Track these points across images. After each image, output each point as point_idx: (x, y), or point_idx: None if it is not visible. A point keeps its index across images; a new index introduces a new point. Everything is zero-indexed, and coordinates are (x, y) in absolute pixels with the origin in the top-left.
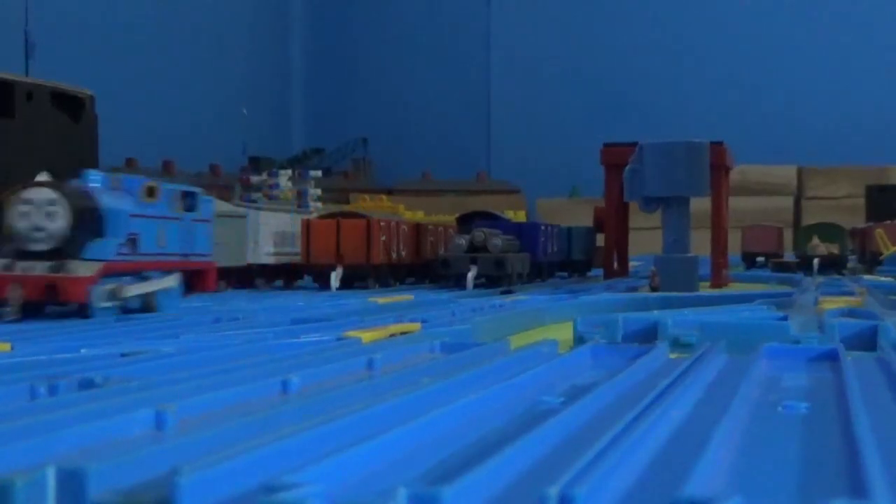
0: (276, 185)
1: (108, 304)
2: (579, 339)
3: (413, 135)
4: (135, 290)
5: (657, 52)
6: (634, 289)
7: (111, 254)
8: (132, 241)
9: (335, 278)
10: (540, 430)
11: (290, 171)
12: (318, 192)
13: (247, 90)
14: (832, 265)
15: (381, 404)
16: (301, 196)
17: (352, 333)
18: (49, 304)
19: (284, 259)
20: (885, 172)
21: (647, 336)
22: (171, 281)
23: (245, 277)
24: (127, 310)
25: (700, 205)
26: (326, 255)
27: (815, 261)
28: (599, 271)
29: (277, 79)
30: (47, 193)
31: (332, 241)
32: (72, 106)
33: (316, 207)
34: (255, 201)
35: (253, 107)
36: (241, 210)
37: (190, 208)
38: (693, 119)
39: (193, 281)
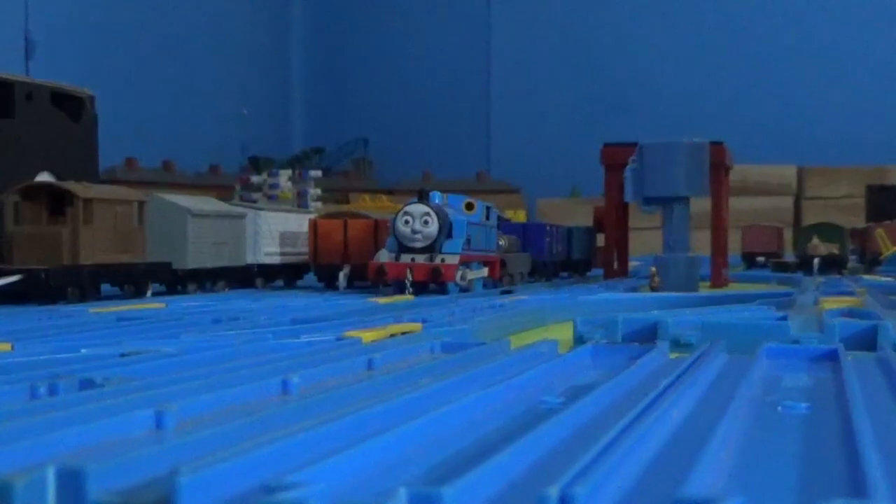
0: (276, 185)
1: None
2: (579, 339)
3: (413, 135)
4: (472, 274)
5: (657, 52)
6: (634, 289)
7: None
8: (468, 241)
9: (343, 278)
10: (540, 430)
11: (290, 171)
12: (318, 192)
13: (247, 90)
14: (832, 265)
15: (381, 404)
16: (301, 196)
17: (352, 333)
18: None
19: (285, 259)
20: (885, 172)
21: (647, 336)
22: (486, 270)
23: (245, 277)
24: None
25: (700, 205)
26: (334, 255)
27: (815, 261)
28: (599, 271)
29: (277, 79)
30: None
31: (339, 241)
32: (72, 106)
33: (316, 207)
34: (255, 201)
35: (253, 107)
36: (241, 210)
37: (487, 217)
38: (693, 119)
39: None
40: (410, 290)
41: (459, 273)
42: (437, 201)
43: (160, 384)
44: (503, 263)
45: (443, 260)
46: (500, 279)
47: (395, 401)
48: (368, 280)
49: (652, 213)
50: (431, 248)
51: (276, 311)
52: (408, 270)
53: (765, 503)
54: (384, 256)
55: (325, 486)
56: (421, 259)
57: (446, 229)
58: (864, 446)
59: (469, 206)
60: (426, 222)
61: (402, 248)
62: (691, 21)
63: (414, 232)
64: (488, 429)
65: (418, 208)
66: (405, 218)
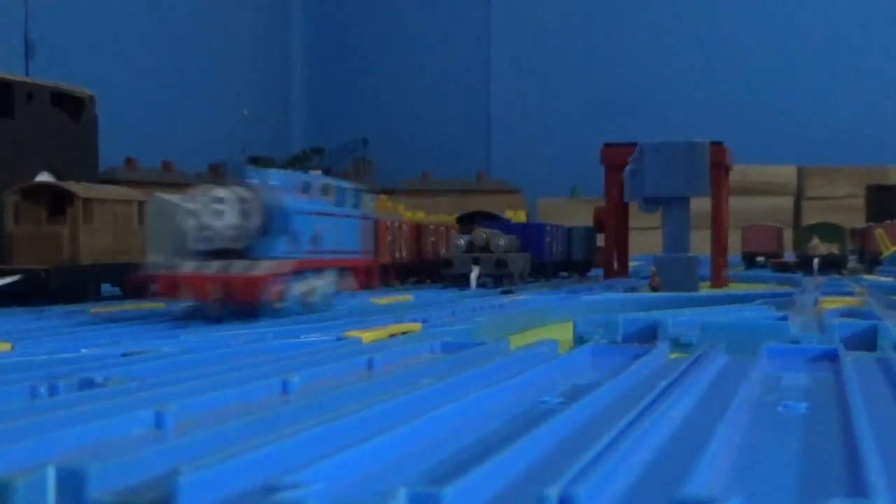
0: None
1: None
2: (579, 339)
3: (413, 135)
4: (302, 287)
5: (657, 52)
6: (634, 289)
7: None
8: (309, 238)
9: None
10: (540, 430)
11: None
12: None
13: (247, 90)
14: (832, 265)
15: (381, 404)
16: None
17: (352, 333)
18: None
19: None
20: (885, 172)
21: (647, 336)
22: (333, 279)
23: None
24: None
25: (700, 205)
26: None
27: (815, 261)
28: (599, 271)
29: (277, 79)
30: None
31: None
32: (72, 106)
33: None
34: None
35: (253, 107)
36: None
37: (353, 203)
38: (693, 119)
39: (360, 277)
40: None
41: (283, 286)
42: (261, 180)
43: (160, 384)
44: (374, 268)
45: (251, 268)
46: (367, 287)
47: (395, 401)
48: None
49: (652, 213)
50: (245, 251)
51: (276, 311)
52: (207, 286)
53: (765, 503)
54: (177, 264)
55: (325, 486)
56: (239, 266)
57: (268, 222)
58: (864, 446)
59: (323, 190)
60: (231, 211)
61: (208, 251)
62: (691, 21)
63: (212, 227)
64: (488, 429)
65: (221, 192)
66: (202, 206)
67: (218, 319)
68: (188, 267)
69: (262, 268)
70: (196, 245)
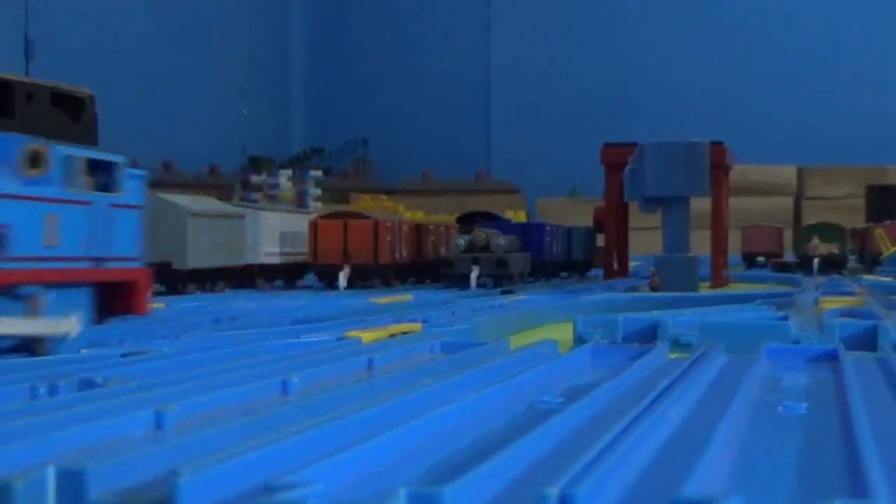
0: (276, 185)
1: None
2: (579, 339)
3: (413, 135)
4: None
5: (657, 52)
6: (634, 289)
7: None
8: None
9: (343, 278)
10: (540, 430)
11: (290, 171)
12: (318, 192)
13: (246, 90)
14: (832, 265)
15: (381, 404)
16: (301, 196)
17: (352, 333)
18: None
19: (285, 259)
20: (885, 172)
21: (647, 336)
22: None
23: (245, 277)
24: None
25: (700, 205)
26: (334, 255)
27: (815, 261)
28: (599, 271)
29: (277, 79)
30: None
31: (339, 242)
32: (72, 106)
33: (316, 207)
34: (255, 201)
35: (253, 107)
36: (241, 210)
37: (104, 187)
38: (693, 119)
39: (112, 298)
40: None
41: None
42: None
43: (160, 384)
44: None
45: None
46: (145, 312)
47: (395, 401)
48: None
49: (652, 213)
50: None
51: (276, 311)
52: None
53: (765, 503)
54: None
55: (325, 486)
56: None
57: None
58: (864, 446)
59: (33, 159)
60: None
61: None
62: (691, 21)
63: None
64: (488, 429)
65: None
66: None
67: None
68: None
69: None
70: None
